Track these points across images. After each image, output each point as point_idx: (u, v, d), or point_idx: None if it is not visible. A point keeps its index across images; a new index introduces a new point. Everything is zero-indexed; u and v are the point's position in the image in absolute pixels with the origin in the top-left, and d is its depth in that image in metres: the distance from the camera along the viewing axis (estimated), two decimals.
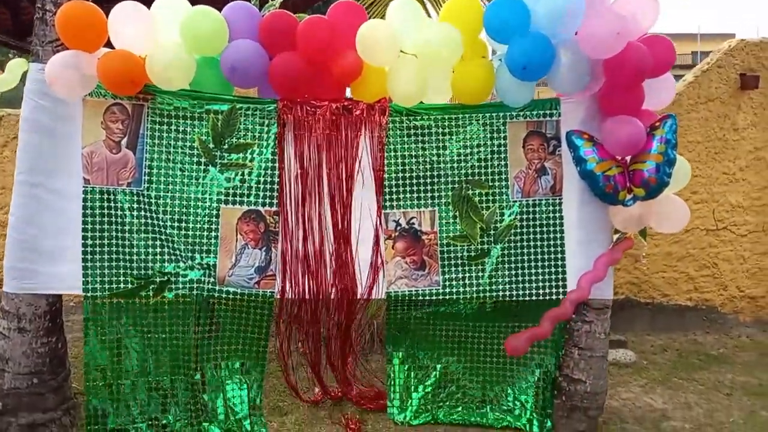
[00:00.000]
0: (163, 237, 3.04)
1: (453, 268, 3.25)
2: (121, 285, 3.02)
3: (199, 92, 3.06)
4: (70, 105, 2.94)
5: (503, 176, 3.26)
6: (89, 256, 2.99)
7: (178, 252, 3.06)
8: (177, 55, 2.90)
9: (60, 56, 2.79)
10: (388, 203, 3.22)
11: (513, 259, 3.27)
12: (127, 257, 3.02)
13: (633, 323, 5.71)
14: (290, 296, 3.16)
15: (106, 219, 2.99)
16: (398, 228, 3.24)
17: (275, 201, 3.13)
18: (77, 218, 2.97)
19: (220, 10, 3.00)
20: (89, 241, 2.98)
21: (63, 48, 2.87)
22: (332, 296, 3.20)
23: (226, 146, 3.08)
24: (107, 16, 2.82)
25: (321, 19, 2.97)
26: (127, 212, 3.01)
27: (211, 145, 3.07)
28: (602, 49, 2.86)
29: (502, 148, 3.25)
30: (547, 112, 3.25)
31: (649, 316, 5.85)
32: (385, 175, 3.20)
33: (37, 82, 2.88)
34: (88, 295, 3.00)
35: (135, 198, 3.01)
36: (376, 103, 3.18)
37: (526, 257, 3.28)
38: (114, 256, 3.01)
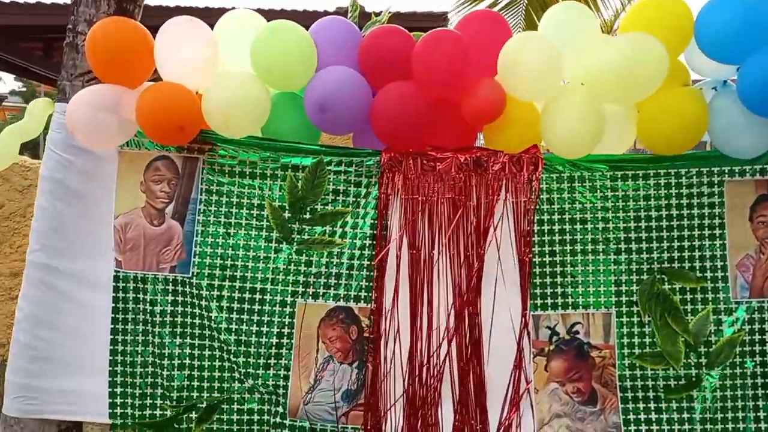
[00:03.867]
0: (215, 344, 2.15)
1: (641, 405, 2.11)
2: (157, 412, 2.14)
3: (273, 141, 2.19)
4: (103, 160, 2.16)
5: (720, 264, 2.12)
6: (119, 368, 2.15)
7: (234, 367, 2.14)
8: (245, 90, 2.06)
9: (87, 92, 2.02)
10: (539, 301, 2.16)
11: (740, 394, 2.09)
12: (165, 372, 2.14)
13: None
14: None
15: (141, 317, 2.15)
16: (554, 339, 2.16)
17: (373, 295, 2.17)
18: (106, 315, 2.15)
19: (307, 28, 2.15)
20: (119, 347, 2.15)
21: (97, 82, 2.12)
22: None
23: (308, 216, 2.17)
24: (155, 37, 2.05)
25: (449, 34, 2.04)
26: (169, 307, 2.15)
27: (288, 215, 2.17)
28: None
29: (717, 221, 2.12)
30: None
31: None
32: (536, 260, 2.16)
33: (63, 128, 2.12)
34: (117, 423, 2.15)
35: (180, 288, 2.15)
36: (523, 153, 2.17)
37: (761, 392, 2.09)
38: (149, 370, 2.15)
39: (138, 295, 2.15)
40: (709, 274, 2.12)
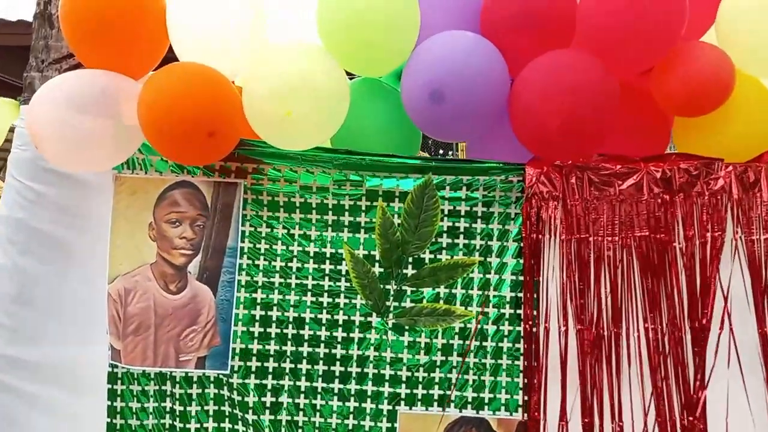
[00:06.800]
0: None
1: None
2: None
3: (353, 154, 1.39)
4: (91, 190, 1.40)
5: None
6: None
7: None
8: (313, 73, 1.28)
9: (61, 82, 1.26)
10: None
11: None
12: None
13: None
14: None
15: None
16: None
17: (523, 399, 1.34)
18: None
19: None
20: None
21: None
22: None
23: (411, 271, 1.36)
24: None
25: None
26: (193, 424, 1.35)
27: (380, 270, 1.36)
28: None
29: None
30: None
31: None
32: None
33: (30, 144, 1.37)
34: None
35: (212, 392, 1.35)
36: (756, 162, 1.34)
37: None
38: None
39: (147, 405, 1.36)
40: None
